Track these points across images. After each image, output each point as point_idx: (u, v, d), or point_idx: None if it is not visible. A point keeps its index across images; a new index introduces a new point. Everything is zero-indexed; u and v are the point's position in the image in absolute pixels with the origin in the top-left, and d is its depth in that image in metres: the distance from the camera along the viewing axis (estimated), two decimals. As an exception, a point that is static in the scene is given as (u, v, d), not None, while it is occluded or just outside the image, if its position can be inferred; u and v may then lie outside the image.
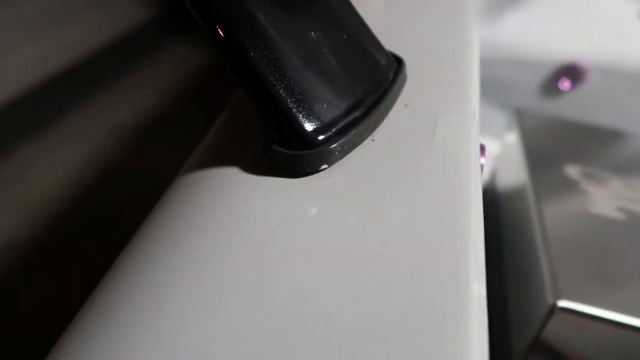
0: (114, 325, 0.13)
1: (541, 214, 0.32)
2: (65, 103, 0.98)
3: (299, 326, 0.13)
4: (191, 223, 0.16)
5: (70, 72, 1.05)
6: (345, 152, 0.18)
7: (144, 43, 1.20)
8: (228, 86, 0.18)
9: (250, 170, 0.18)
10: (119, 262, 0.16)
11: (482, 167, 0.22)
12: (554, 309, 0.26)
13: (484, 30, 0.55)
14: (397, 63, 0.22)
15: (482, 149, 0.23)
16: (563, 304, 0.26)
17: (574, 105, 0.56)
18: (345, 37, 0.20)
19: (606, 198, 0.35)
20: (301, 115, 0.17)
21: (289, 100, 0.17)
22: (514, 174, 0.40)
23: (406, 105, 0.22)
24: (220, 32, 0.17)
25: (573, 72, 0.56)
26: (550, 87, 0.57)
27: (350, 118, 0.19)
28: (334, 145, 0.18)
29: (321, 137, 0.18)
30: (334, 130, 0.18)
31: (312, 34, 0.19)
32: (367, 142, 0.19)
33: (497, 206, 0.42)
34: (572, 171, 0.38)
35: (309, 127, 0.17)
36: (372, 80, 0.20)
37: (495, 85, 0.57)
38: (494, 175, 0.47)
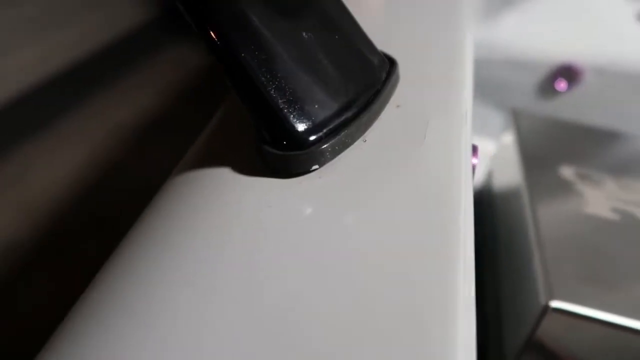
0: (104, 324, 0.13)
1: (535, 214, 0.32)
2: (65, 103, 0.98)
3: (289, 326, 0.13)
4: (183, 223, 0.16)
5: (70, 72, 1.04)
6: (336, 152, 0.18)
7: (144, 43, 1.20)
8: (227, 86, 0.18)
9: (243, 171, 0.18)
10: (110, 261, 0.16)
11: (474, 167, 0.22)
12: (546, 309, 0.26)
13: (481, 30, 0.55)
14: (390, 63, 0.22)
15: (474, 149, 0.23)
16: (556, 304, 0.26)
17: (569, 106, 0.56)
18: (337, 37, 0.20)
19: (600, 199, 0.35)
20: (292, 116, 0.17)
21: (279, 101, 0.17)
22: (509, 174, 0.40)
23: (398, 106, 0.22)
24: (211, 33, 0.17)
25: (569, 73, 0.56)
26: (546, 87, 0.57)
27: (342, 118, 0.19)
28: (325, 146, 0.18)
29: (312, 138, 0.18)
30: (325, 130, 0.18)
31: (304, 34, 0.19)
32: (359, 143, 0.20)
33: (492, 206, 0.42)
34: (567, 172, 0.38)
35: (300, 127, 0.17)
36: (364, 80, 0.20)
37: (492, 86, 0.57)
38: (489, 175, 0.47)
